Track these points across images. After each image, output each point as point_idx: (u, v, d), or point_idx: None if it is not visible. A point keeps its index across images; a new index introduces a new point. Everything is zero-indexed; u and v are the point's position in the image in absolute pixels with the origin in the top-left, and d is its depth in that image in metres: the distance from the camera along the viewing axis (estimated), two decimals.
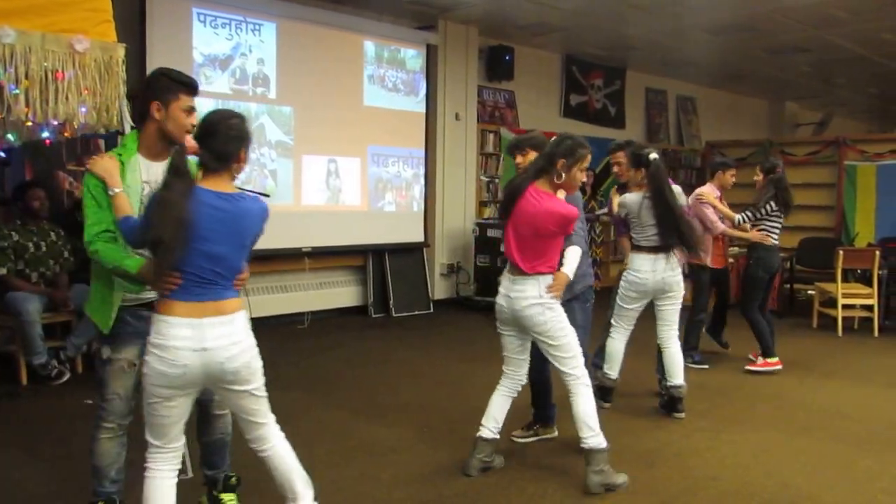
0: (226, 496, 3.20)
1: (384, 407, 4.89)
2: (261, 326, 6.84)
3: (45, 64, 3.07)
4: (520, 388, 3.84)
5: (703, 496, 3.55)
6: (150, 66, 6.50)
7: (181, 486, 3.57)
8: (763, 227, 6.10)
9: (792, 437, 4.42)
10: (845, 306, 7.75)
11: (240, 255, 2.67)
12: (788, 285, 9.17)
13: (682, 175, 12.44)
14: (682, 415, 4.76)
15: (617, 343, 4.83)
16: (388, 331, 7.56)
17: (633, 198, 4.68)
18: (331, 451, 4.05)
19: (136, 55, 6.38)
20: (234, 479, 3.21)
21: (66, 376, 5.38)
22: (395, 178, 8.65)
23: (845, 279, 7.86)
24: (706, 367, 6.10)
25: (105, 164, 2.83)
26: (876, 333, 7.67)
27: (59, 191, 6.35)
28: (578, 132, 12.16)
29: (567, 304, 3.81)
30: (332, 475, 3.71)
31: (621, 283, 4.83)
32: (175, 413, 2.60)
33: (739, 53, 10.55)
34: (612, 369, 4.85)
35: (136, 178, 2.88)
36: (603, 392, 4.78)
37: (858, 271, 8.33)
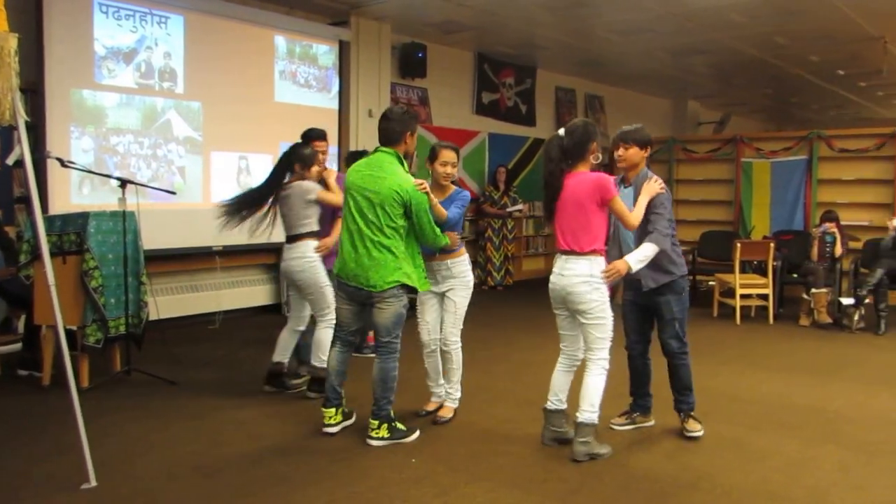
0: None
1: (304, 405, 4.87)
2: (170, 327, 6.74)
3: None
4: (577, 364, 4.15)
5: (609, 481, 3.68)
6: (48, 58, 6.25)
7: (89, 495, 3.46)
8: None
9: None
10: (743, 296, 8.15)
11: None
12: (691, 277, 9.52)
13: None
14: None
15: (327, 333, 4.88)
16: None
17: None
18: (242, 452, 4.02)
19: (33, 46, 6.13)
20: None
21: None
22: None
23: (743, 270, 8.26)
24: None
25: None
26: (771, 321, 8.09)
27: None
28: (490, 129, 12.16)
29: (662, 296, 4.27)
30: (247, 475, 3.70)
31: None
32: None
33: (643, 54, 10.89)
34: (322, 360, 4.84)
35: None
36: (320, 382, 4.78)
37: (755, 262, 8.75)
